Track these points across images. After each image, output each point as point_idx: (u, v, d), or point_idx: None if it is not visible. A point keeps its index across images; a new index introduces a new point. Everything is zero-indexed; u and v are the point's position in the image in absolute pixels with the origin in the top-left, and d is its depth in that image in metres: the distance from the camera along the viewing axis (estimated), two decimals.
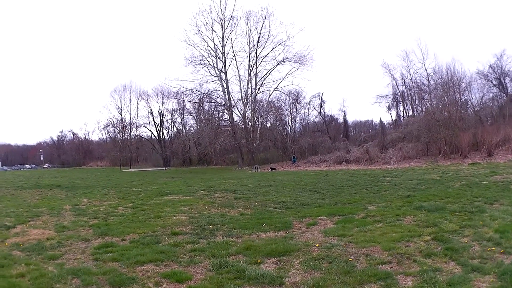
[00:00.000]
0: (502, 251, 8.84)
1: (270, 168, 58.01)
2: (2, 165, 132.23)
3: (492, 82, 60.90)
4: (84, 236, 12.58)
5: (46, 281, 8.02)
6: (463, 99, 61.14)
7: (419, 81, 67.91)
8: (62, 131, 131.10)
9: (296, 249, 9.99)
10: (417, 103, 69.97)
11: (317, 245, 10.32)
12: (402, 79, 70.03)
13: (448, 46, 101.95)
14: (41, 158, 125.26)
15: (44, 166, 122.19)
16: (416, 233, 10.82)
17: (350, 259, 8.87)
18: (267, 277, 7.92)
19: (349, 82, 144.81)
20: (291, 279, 7.95)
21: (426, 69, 64.96)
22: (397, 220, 12.98)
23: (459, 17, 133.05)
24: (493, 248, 9.05)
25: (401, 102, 72.43)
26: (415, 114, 66.17)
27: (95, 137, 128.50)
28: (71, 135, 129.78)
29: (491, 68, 60.63)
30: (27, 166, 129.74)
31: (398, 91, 71.23)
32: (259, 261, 9.14)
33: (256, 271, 8.27)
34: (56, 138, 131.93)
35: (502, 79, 60.73)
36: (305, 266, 8.63)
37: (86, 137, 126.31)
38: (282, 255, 9.50)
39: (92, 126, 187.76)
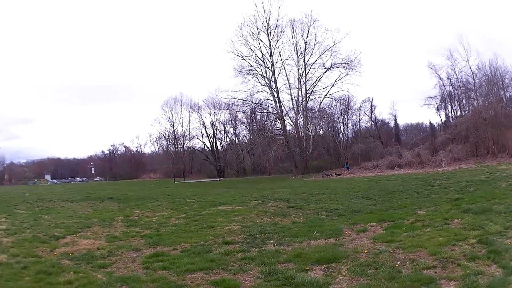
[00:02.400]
0: None
1: (335, 174, 57.61)
2: (51, 179, 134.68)
3: None
4: (135, 246, 12.65)
5: None
6: (508, 95, 59.85)
7: (464, 79, 66.43)
8: (114, 145, 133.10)
9: (345, 255, 9.89)
10: (464, 102, 68.70)
11: (365, 251, 10.22)
12: (449, 78, 68.62)
13: (489, 40, 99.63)
14: (92, 171, 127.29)
15: (96, 179, 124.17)
16: (462, 237, 10.64)
17: (397, 265, 8.79)
18: (314, 283, 7.89)
19: (398, 85, 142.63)
20: (337, 285, 7.92)
21: (470, 67, 63.55)
22: (444, 224, 12.84)
23: (498, 9, 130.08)
24: None
25: (449, 103, 71.18)
26: (463, 114, 65.03)
27: (147, 149, 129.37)
28: (123, 148, 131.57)
29: None
30: (78, 179, 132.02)
31: (445, 92, 69.83)
32: (307, 268, 9.07)
33: (303, 278, 8.23)
34: (108, 152, 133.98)
35: None
36: (352, 272, 8.56)
37: (138, 150, 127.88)
38: (330, 262, 9.42)
39: (144, 139, 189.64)
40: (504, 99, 56.70)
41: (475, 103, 61.61)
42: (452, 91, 69.93)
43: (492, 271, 7.78)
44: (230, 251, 11.14)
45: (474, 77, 63.43)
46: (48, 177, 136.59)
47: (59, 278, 8.80)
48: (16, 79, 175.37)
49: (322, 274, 8.57)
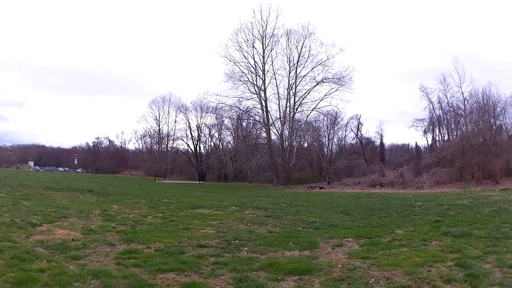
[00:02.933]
0: None
1: (319, 187, 57.67)
2: (34, 165, 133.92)
3: None
4: (110, 240, 12.66)
5: (66, 279, 8.07)
6: (498, 123, 60.34)
7: (455, 105, 67.18)
8: (99, 137, 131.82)
9: (318, 268, 9.90)
10: (453, 127, 69.17)
11: (339, 266, 10.23)
12: (439, 102, 69.34)
13: (484, 68, 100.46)
14: (75, 162, 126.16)
15: (78, 170, 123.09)
16: (440, 258, 10.63)
17: (370, 282, 8.79)
18: None
19: (387, 105, 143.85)
20: None
21: (462, 93, 64.20)
22: (422, 245, 12.79)
23: (497, 38, 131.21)
24: None
25: (437, 126, 71.69)
26: (451, 139, 65.45)
27: (131, 146, 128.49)
28: (107, 142, 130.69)
29: None
30: (60, 169, 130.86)
31: (434, 115, 70.47)
32: (279, 278, 9.09)
33: (274, 287, 8.20)
34: (92, 144, 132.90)
35: None
36: (324, 286, 8.57)
37: (123, 145, 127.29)
38: (303, 274, 9.42)
39: (128, 135, 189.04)
40: (494, 127, 57.14)
41: (463, 129, 62.09)
42: (442, 115, 70.58)
43: None
44: (203, 255, 11.16)
45: (466, 103, 64.09)
46: (31, 164, 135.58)
47: (32, 265, 8.81)
48: (10, 61, 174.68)
49: (294, 286, 8.61)
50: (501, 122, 60.91)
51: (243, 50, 70.82)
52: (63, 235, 12.83)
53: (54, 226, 14.42)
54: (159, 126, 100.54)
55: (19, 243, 11.09)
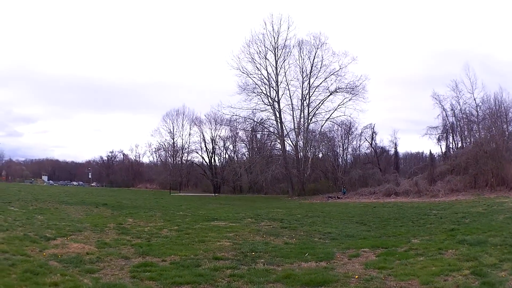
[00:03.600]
0: None
1: (337, 197, 57.68)
2: (48, 180, 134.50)
3: None
4: (125, 254, 12.61)
5: None
6: (511, 129, 59.81)
7: (468, 111, 66.63)
8: (113, 151, 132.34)
9: (335, 280, 9.80)
10: (466, 134, 68.68)
11: (356, 276, 10.14)
12: (452, 110, 68.80)
13: (495, 75, 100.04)
14: (89, 176, 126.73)
15: (92, 184, 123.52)
16: (456, 267, 10.51)
17: None
18: None
19: (400, 113, 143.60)
20: None
21: (475, 99, 63.75)
22: (439, 254, 12.66)
23: (504, 40, 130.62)
24: None
25: (451, 134, 71.23)
26: (464, 146, 65.09)
27: (145, 159, 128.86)
28: (122, 156, 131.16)
29: None
30: (74, 183, 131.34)
31: (448, 122, 69.95)
32: None
33: None
34: (106, 158, 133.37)
35: None
36: None
37: (137, 158, 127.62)
38: (320, 285, 9.35)
39: (143, 149, 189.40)
40: (507, 133, 56.77)
41: (477, 135, 61.75)
42: (455, 122, 70.12)
43: None
44: (219, 267, 11.08)
45: (478, 109, 63.68)
46: (45, 178, 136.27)
47: (46, 279, 8.78)
48: (22, 76, 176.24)
49: None
50: None
51: (255, 61, 70.89)
52: (78, 248, 12.79)
53: (68, 240, 14.41)
54: (173, 139, 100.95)
55: (32, 257, 11.08)
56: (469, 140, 66.73)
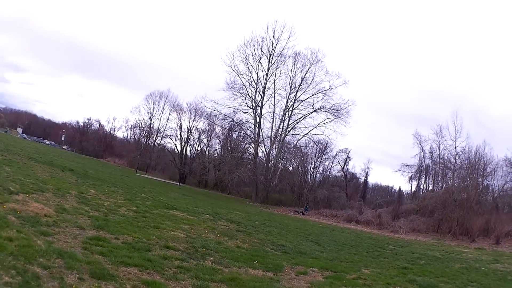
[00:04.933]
0: None
1: (301, 212, 58.18)
2: (22, 132, 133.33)
3: None
4: (81, 224, 12.70)
5: (31, 252, 8.15)
6: (485, 183, 60.39)
7: (446, 157, 67.49)
8: (90, 119, 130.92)
9: None
10: (439, 179, 69.37)
11: None
12: (431, 152, 69.83)
13: (483, 126, 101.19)
14: (62, 138, 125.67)
15: (63, 147, 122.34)
16: None
17: None
18: None
19: (378, 144, 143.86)
20: None
21: (456, 147, 64.46)
22: None
23: (501, 97, 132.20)
24: None
25: (424, 175, 72.02)
26: (435, 190, 65.69)
27: (120, 134, 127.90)
28: (97, 125, 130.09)
29: None
30: (47, 142, 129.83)
31: (423, 164, 70.91)
32: None
33: None
34: (82, 124, 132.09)
35: None
36: None
37: (112, 131, 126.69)
38: None
39: (119, 123, 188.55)
40: (481, 186, 57.37)
41: (450, 182, 62.21)
42: (431, 165, 70.88)
43: None
44: (169, 256, 11.25)
45: (457, 157, 64.32)
46: (20, 130, 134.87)
47: (1, 232, 8.91)
48: (21, 26, 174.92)
49: None
50: (488, 182, 61.12)
51: (248, 63, 70.90)
52: (37, 208, 12.86)
53: (30, 198, 14.49)
54: (151, 120, 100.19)
55: None
56: (441, 185, 67.29)
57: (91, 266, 8.42)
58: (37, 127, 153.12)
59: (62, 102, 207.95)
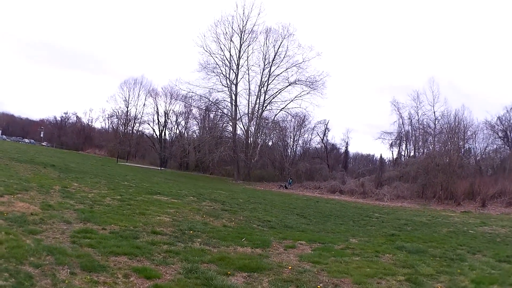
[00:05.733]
0: None
1: (285, 187, 58.50)
2: (1, 134, 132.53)
3: (498, 134, 60.20)
4: (67, 218, 12.78)
5: (22, 253, 8.25)
6: (467, 147, 61.04)
7: (425, 123, 67.97)
8: (67, 113, 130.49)
9: (268, 267, 10.16)
10: (420, 144, 69.86)
11: (289, 267, 10.46)
12: (409, 118, 70.28)
13: (459, 92, 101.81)
14: (41, 135, 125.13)
15: (43, 144, 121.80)
16: (391, 272, 10.83)
17: (318, 287, 9.02)
18: None
19: (356, 114, 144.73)
20: None
21: (434, 112, 65.00)
22: (375, 256, 12.90)
23: (476, 64, 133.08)
24: None
25: (404, 142, 72.51)
26: (416, 155, 66.27)
27: (97, 124, 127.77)
28: (75, 118, 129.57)
29: (499, 119, 60.04)
30: (26, 140, 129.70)
31: (403, 130, 71.34)
32: (229, 273, 9.32)
33: (223, 281, 8.46)
34: (59, 118, 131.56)
35: (508, 131, 60.11)
36: (272, 285, 8.79)
37: (89, 123, 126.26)
38: (253, 271, 9.65)
39: (96, 113, 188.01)
40: (463, 150, 57.81)
41: (431, 147, 62.68)
42: (410, 131, 71.34)
43: None
44: (157, 242, 11.39)
45: (436, 122, 64.88)
46: None
47: None
48: None
49: (243, 282, 8.81)
50: (470, 145, 61.51)
51: (220, 42, 70.52)
52: (23, 208, 12.98)
53: (15, 198, 14.55)
54: (127, 107, 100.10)
55: None
56: (422, 150, 67.86)
57: (82, 260, 8.53)
58: (16, 126, 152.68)
59: (38, 99, 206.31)
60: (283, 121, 76.39)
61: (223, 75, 71.16)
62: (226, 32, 70.39)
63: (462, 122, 59.19)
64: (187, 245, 11.69)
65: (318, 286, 9.06)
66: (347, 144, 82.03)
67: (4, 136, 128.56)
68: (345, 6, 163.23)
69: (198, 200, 24.54)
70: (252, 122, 71.90)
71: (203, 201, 24.33)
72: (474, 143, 61.64)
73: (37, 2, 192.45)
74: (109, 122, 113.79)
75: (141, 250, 10.16)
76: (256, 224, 18.17)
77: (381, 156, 75.25)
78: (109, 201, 18.31)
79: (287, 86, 71.22)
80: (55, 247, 9.14)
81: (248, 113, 72.17)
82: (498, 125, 60.70)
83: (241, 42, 70.70)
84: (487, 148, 61.33)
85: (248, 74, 72.44)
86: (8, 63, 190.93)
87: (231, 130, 73.16)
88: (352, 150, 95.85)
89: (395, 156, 74.78)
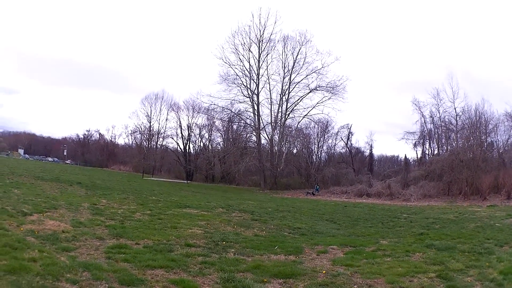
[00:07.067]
0: None
1: (312, 193, 57.94)
2: (24, 153, 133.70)
3: None
4: (99, 234, 12.81)
5: (57, 270, 8.19)
6: (489, 140, 60.13)
7: (447, 120, 66.78)
8: (89, 130, 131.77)
9: (303, 273, 10.15)
10: (443, 142, 69.15)
11: (323, 272, 10.46)
12: (431, 117, 69.13)
13: (477, 83, 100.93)
14: (65, 153, 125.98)
15: (67, 162, 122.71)
16: (422, 270, 10.82)
17: None
18: None
19: (378, 115, 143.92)
20: None
21: (455, 108, 63.93)
22: (406, 256, 12.99)
23: (490, 53, 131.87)
24: None
25: (428, 140, 71.66)
26: (440, 153, 65.61)
27: (121, 141, 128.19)
28: (98, 135, 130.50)
29: None
30: (49, 159, 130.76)
31: (425, 129, 70.35)
32: (265, 280, 9.33)
33: None
34: (82, 136, 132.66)
35: None
36: None
37: (112, 139, 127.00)
38: (288, 277, 9.67)
39: (119, 130, 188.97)
40: (485, 144, 57.17)
41: (454, 144, 62.18)
42: (433, 129, 70.44)
43: None
44: (191, 254, 11.39)
45: (458, 118, 63.82)
46: (21, 151, 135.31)
47: (24, 254, 8.91)
48: (7, 47, 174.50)
49: None
50: (492, 139, 60.77)
51: (239, 53, 70.65)
52: (54, 226, 12.98)
53: (44, 217, 14.55)
54: (150, 123, 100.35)
55: (10, 231, 11.18)
56: (445, 148, 67.04)
57: (118, 274, 8.52)
58: (38, 145, 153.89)
59: (59, 117, 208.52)
60: (306, 128, 76.28)
61: (244, 85, 71.37)
62: (244, 43, 70.63)
63: (483, 116, 58.54)
64: (221, 255, 11.68)
65: None
66: (371, 147, 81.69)
67: (27, 155, 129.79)
68: (357, 7, 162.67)
69: (228, 211, 24.49)
70: (275, 131, 71.83)
71: (232, 212, 24.33)
72: (496, 136, 60.85)
73: (54, 21, 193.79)
74: (133, 138, 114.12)
75: (176, 262, 10.13)
76: (287, 232, 18.18)
77: (405, 156, 74.76)
78: (139, 216, 18.32)
79: (308, 92, 71.11)
80: (90, 263, 9.12)
81: (271, 122, 72.11)
82: None
83: (260, 52, 70.81)
84: (509, 140, 60.65)
85: (269, 83, 72.48)
86: (28, 83, 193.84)
87: (255, 140, 73.17)
88: (376, 152, 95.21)
89: (419, 156, 74.06)
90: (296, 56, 70.56)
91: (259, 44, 70.37)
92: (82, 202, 20.56)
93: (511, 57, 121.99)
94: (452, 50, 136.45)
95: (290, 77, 71.46)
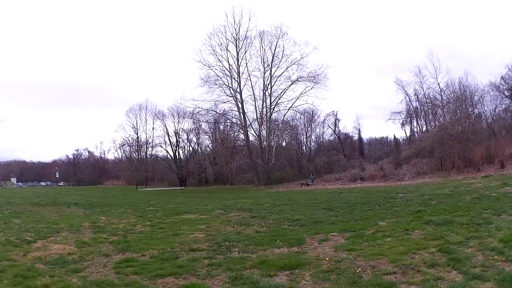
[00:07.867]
0: (504, 259, 9.14)
1: (307, 184, 57.91)
2: (17, 182, 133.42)
3: (504, 93, 59.83)
4: (105, 251, 12.97)
5: None
6: (476, 112, 60.88)
7: (432, 96, 67.50)
8: (78, 149, 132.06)
9: (308, 262, 10.36)
10: (430, 118, 69.68)
11: (327, 259, 10.68)
12: (416, 95, 69.77)
13: (460, 59, 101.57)
14: (57, 176, 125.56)
15: (60, 184, 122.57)
16: (423, 246, 11.13)
17: (358, 271, 9.25)
18: (279, 287, 8.38)
19: (363, 100, 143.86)
20: None
21: (439, 84, 64.42)
22: (405, 235, 13.26)
23: (471, 29, 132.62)
24: (496, 257, 9.37)
25: (415, 118, 71.99)
26: (429, 130, 65.82)
27: (110, 156, 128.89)
28: (87, 154, 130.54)
29: (503, 79, 59.59)
30: (43, 183, 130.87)
31: (411, 107, 70.90)
32: (272, 274, 9.52)
33: (269, 282, 8.68)
34: (72, 156, 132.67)
35: None
36: (315, 277, 9.03)
37: (102, 155, 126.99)
38: (294, 268, 9.88)
39: (107, 145, 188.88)
40: (473, 116, 57.52)
41: (441, 119, 62.54)
42: (419, 107, 70.90)
43: (452, 277, 8.24)
44: (197, 258, 11.55)
45: (442, 94, 64.36)
46: (14, 180, 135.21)
47: (36, 282, 9.07)
48: None
49: (287, 279, 9.02)
50: (479, 110, 61.35)
51: (217, 53, 70.36)
52: (59, 249, 13.13)
53: (49, 242, 14.68)
54: (137, 134, 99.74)
55: (18, 261, 11.36)
56: (433, 124, 67.58)
57: (131, 287, 8.74)
58: (29, 172, 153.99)
59: (47, 141, 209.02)
60: (292, 120, 76.53)
61: (226, 85, 71.06)
62: (221, 43, 70.32)
63: (468, 89, 59.16)
64: (226, 256, 11.85)
65: (357, 271, 9.29)
66: (359, 131, 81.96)
67: (20, 183, 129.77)
68: None
69: (226, 212, 24.66)
70: (262, 126, 71.74)
71: (230, 212, 24.49)
72: (482, 107, 61.54)
73: (25, 44, 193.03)
74: (122, 151, 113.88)
75: (184, 268, 10.31)
76: (286, 225, 18.34)
77: (394, 136, 74.86)
78: (141, 228, 18.45)
79: (291, 84, 70.94)
80: (101, 280, 9.29)
81: (257, 118, 72.01)
82: (503, 85, 60.18)
83: (238, 50, 70.57)
84: (496, 110, 61.21)
85: (250, 80, 72.40)
86: (15, 110, 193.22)
87: (244, 138, 72.97)
88: (365, 135, 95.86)
89: (408, 134, 74.34)
90: (274, 50, 70.59)
91: (236, 43, 70.23)
92: (82, 222, 20.65)
93: (494, 32, 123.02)
94: (434, 28, 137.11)
95: (271, 71, 71.45)
